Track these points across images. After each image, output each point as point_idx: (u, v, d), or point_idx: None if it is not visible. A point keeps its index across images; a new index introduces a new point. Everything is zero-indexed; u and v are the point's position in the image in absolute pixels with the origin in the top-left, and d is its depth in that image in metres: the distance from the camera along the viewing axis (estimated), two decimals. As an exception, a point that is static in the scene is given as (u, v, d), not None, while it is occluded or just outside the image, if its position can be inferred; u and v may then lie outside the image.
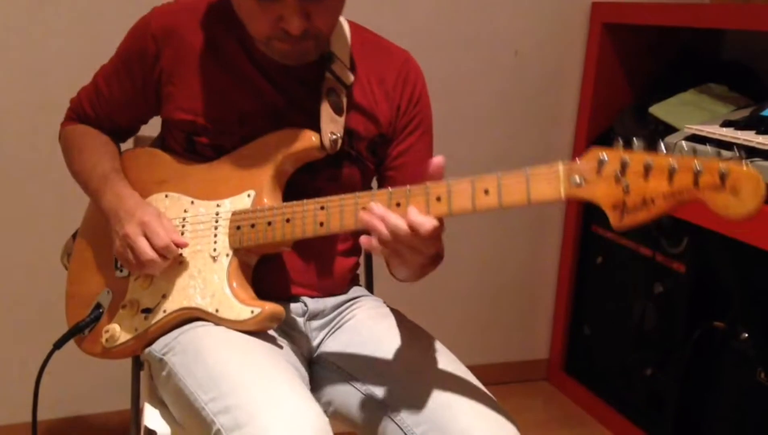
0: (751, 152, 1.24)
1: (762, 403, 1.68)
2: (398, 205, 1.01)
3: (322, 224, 1.09)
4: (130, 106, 1.28)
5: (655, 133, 1.95)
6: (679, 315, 1.93)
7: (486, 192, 0.97)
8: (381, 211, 0.98)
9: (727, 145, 1.30)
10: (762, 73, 2.14)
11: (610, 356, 2.27)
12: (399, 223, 0.97)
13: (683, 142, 1.36)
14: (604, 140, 2.24)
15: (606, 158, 0.90)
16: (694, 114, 1.91)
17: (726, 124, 1.37)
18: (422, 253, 1.00)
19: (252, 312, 1.12)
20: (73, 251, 1.35)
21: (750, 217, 0.84)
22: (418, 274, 1.16)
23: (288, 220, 1.11)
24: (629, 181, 0.88)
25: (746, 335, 1.66)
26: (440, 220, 0.99)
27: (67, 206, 1.41)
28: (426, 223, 0.96)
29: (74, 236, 1.39)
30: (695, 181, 0.84)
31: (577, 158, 0.93)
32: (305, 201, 1.11)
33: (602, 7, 2.24)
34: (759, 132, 1.31)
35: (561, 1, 2.25)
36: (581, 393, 2.40)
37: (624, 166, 0.88)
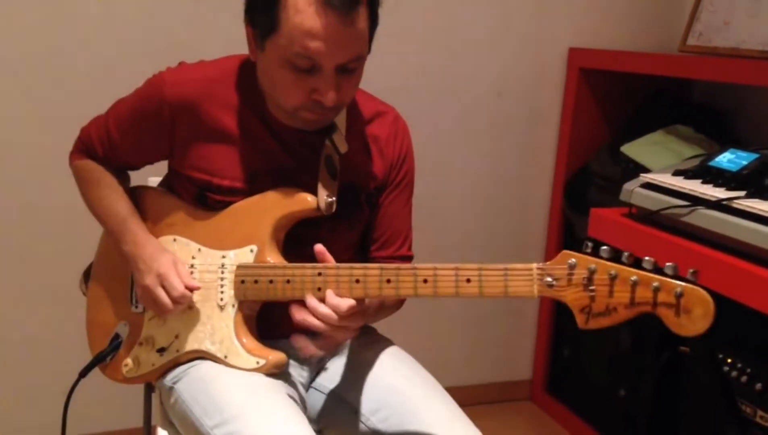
0: (695, 201, 1.37)
1: (723, 421, 1.79)
2: (388, 281, 1.10)
3: (319, 289, 1.14)
4: (141, 153, 1.34)
5: (627, 170, 2.03)
6: (650, 339, 2.00)
7: (468, 281, 1.05)
8: (313, 304, 1.11)
9: (676, 194, 1.41)
10: (727, 115, 2.24)
11: (589, 377, 2.32)
12: (326, 310, 1.10)
13: (639, 189, 1.48)
14: (582, 175, 2.33)
15: (575, 262, 0.96)
16: (661, 154, 2.00)
17: (677, 173, 1.49)
18: (348, 328, 1.13)
19: (257, 363, 1.19)
20: (90, 281, 1.41)
21: (699, 335, 0.90)
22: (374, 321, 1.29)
23: (288, 281, 1.16)
24: (596, 290, 0.95)
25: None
26: (359, 300, 1.11)
27: (87, 232, 1.45)
28: (342, 303, 1.10)
29: (89, 266, 1.45)
30: (654, 298, 0.91)
31: (549, 262, 0.99)
32: (305, 265, 1.16)
33: (579, 53, 2.34)
34: (704, 181, 1.43)
35: (541, 47, 2.34)
36: (563, 412, 2.45)
37: (591, 274, 0.95)
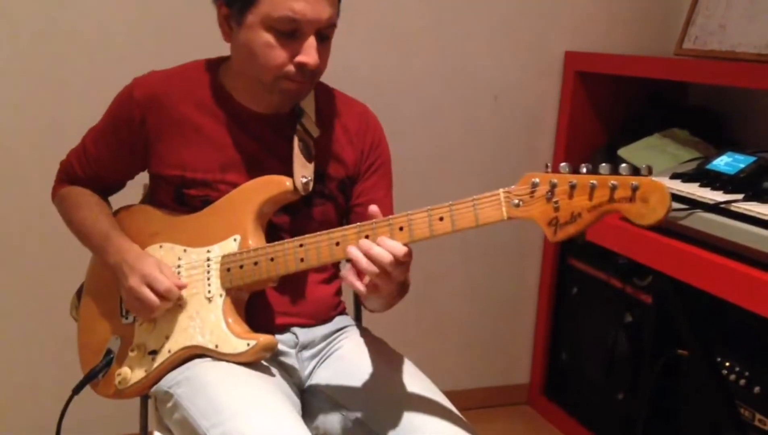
0: (693, 204, 1.37)
1: (721, 425, 1.80)
2: (367, 236, 1.12)
3: (302, 260, 1.18)
4: (118, 164, 1.38)
5: None
6: (647, 343, 2.01)
7: (441, 219, 1.08)
8: (366, 244, 1.09)
9: (674, 197, 1.41)
10: (723, 118, 2.24)
11: (586, 381, 2.33)
12: (380, 250, 1.07)
13: None
14: None
15: (537, 181, 1.01)
16: (657, 157, 2.00)
17: (674, 176, 1.49)
18: (395, 279, 1.10)
19: (248, 344, 1.21)
20: (80, 304, 1.44)
21: (660, 223, 0.95)
22: (389, 303, 1.25)
23: (272, 259, 1.21)
24: (558, 200, 0.99)
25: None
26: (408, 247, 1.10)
27: (76, 260, 1.49)
28: (397, 247, 1.08)
29: (79, 291, 1.48)
30: (611, 194, 0.95)
31: (514, 186, 1.04)
32: (286, 240, 1.20)
33: (575, 56, 2.34)
34: (702, 184, 1.43)
35: (537, 51, 2.35)
36: (560, 416, 2.45)
37: (553, 187, 0.99)
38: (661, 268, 1.45)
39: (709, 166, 1.48)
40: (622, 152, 2.09)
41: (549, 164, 1.04)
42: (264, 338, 1.22)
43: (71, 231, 1.41)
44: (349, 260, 1.12)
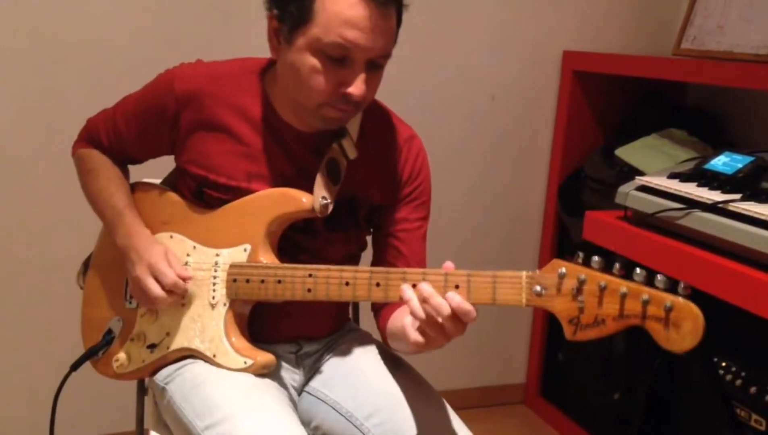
0: (691, 204, 1.37)
1: (717, 424, 1.80)
2: (378, 285, 1.08)
3: (309, 290, 1.15)
4: (144, 146, 1.34)
5: (621, 173, 2.04)
6: (644, 343, 2.01)
7: (456, 287, 1.03)
8: (428, 292, 1.01)
9: (671, 196, 1.42)
10: (720, 118, 2.25)
11: (583, 381, 2.33)
12: (442, 304, 1.00)
13: (634, 192, 1.48)
14: (576, 179, 2.34)
15: (564, 272, 0.95)
16: (655, 157, 2.01)
17: (672, 175, 1.49)
18: (450, 337, 1.02)
19: (245, 362, 1.19)
20: (87, 275, 1.42)
21: (687, 351, 0.89)
22: (417, 353, 1.16)
23: (279, 282, 1.17)
24: (585, 300, 0.93)
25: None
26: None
27: (83, 226, 1.46)
28: (471, 311, 1.00)
29: (87, 260, 1.45)
30: (643, 310, 0.89)
31: (539, 269, 0.98)
32: (296, 266, 1.17)
33: (573, 56, 2.34)
34: (700, 184, 1.43)
35: (535, 50, 2.34)
36: (556, 416, 2.46)
37: (581, 284, 0.93)
38: (657, 268, 1.45)
39: (706, 166, 1.48)
40: (620, 152, 2.09)
41: (581, 254, 0.97)
42: (262, 357, 1.20)
43: (84, 193, 1.37)
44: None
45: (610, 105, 2.35)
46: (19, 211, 1.96)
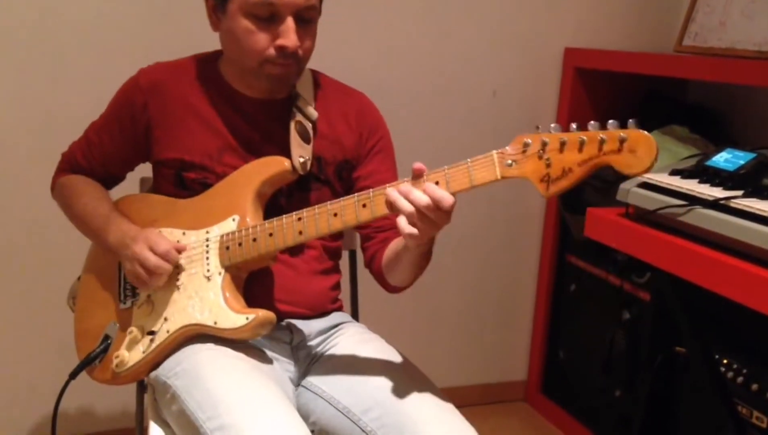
0: (692, 200, 1.37)
1: (719, 422, 1.79)
2: (364, 205, 1.15)
3: (300, 232, 1.21)
4: (121, 153, 1.41)
5: None
6: (645, 340, 2.01)
7: (436, 183, 1.09)
8: (405, 188, 1.09)
9: (673, 193, 1.42)
10: (722, 115, 2.24)
11: (584, 378, 2.33)
12: (421, 196, 1.07)
13: (636, 189, 1.47)
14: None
15: (529, 141, 1.03)
16: None
17: (674, 172, 1.49)
18: (438, 225, 1.09)
19: (246, 319, 1.23)
20: (78, 291, 1.45)
21: (647, 172, 0.98)
22: (414, 273, 1.28)
23: (271, 235, 1.23)
24: (549, 156, 1.01)
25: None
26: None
27: (75, 250, 1.50)
28: (446, 196, 1.06)
29: (78, 280, 1.48)
30: (600, 148, 0.98)
31: (507, 146, 1.06)
32: (283, 216, 1.23)
33: (574, 52, 2.35)
34: (702, 181, 1.42)
35: (536, 46, 2.35)
36: (557, 413, 2.46)
37: (544, 145, 1.02)
38: (659, 265, 1.45)
39: (708, 163, 1.47)
40: (621, 149, 2.08)
41: (539, 126, 1.06)
42: (263, 313, 1.23)
43: (70, 217, 1.43)
44: (388, 205, 1.12)
45: (612, 102, 2.35)
46: (19, 211, 1.96)
